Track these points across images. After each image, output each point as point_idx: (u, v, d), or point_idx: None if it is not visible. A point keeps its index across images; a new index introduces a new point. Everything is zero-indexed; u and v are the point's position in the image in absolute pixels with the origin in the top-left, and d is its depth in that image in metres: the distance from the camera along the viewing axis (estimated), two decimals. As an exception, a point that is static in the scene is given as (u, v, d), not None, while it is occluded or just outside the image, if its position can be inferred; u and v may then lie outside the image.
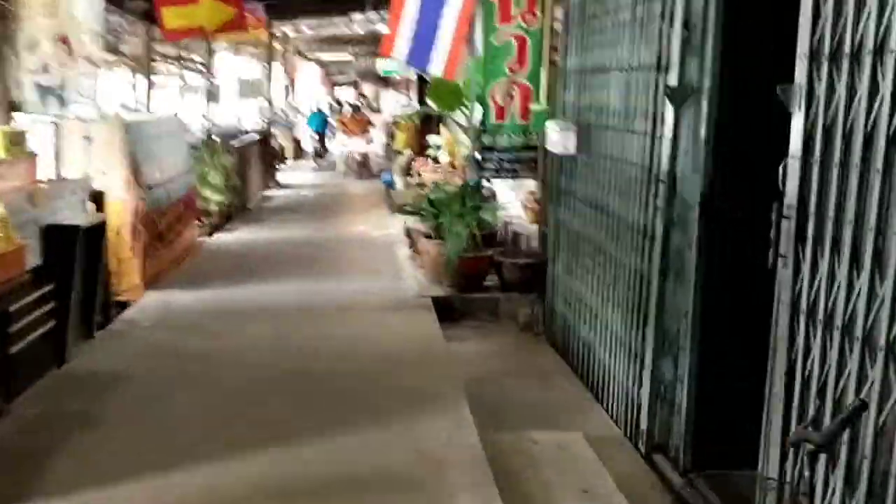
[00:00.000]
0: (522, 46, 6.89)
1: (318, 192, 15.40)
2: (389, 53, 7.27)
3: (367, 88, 32.79)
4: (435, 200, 7.04)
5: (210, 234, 10.12)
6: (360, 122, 18.45)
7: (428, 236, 7.33)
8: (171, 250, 7.75)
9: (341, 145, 18.64)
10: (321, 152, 20.61)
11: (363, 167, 17.94)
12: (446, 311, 6.66)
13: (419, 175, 10.29)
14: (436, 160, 10.69)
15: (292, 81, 23.71)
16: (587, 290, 5.27)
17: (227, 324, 6.14)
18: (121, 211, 6.69)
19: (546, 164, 6.88)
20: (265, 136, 15.53)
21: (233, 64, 18.78)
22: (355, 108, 18.93)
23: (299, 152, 22.59)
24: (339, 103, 33.48)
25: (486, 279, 7.07)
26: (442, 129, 10.79)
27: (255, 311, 6.46)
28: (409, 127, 16.32)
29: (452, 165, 9.70)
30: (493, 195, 8.10)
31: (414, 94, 16.23)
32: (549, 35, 6.84)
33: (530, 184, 7.44)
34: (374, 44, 26.76)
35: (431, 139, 10.42)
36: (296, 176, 17.95)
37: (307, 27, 21.43)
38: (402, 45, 7.16)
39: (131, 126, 6.86)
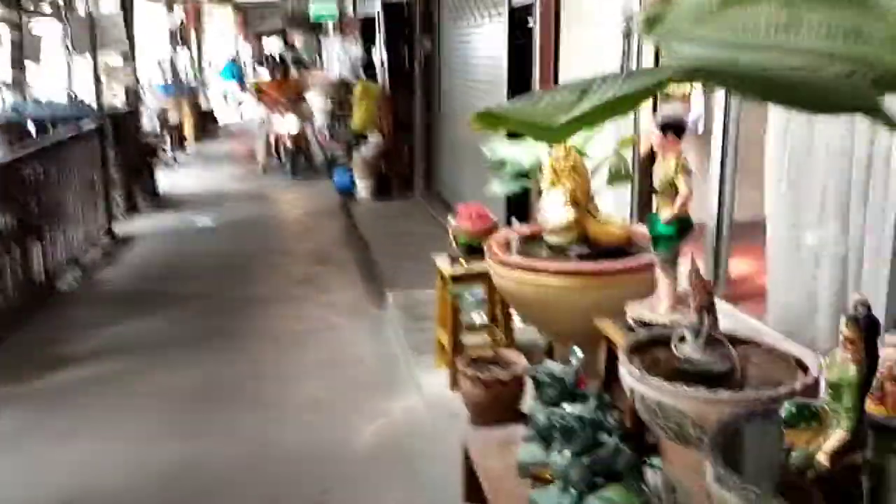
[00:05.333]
0: None
1: (224, 215, 8.59)
2: None
3: (301, 40, 25.20)
4: None
5: None
6: (289, 88, 11.39)
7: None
8: None
9: (260, 120, 11.66)
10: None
11: (298, 158, 11.08)
12: None
13: (484, 255, 3.67)
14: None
15: (188, 28, 16.50)
16: None
17: None
18: None
19: None
20: (120, 120, 8.56)
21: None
22: (279, 64, 11.78)
23: (204, 127, 15.51)
24: (263, 61, 26.01)
25: None
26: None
27: None
28: (372, 93, 9.60)
29: (573, 224, 3.02)
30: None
31: (381, 38, 9.48)
32: None
33: None
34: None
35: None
36: (190, 178, 11.00)
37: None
38: None
39: None
